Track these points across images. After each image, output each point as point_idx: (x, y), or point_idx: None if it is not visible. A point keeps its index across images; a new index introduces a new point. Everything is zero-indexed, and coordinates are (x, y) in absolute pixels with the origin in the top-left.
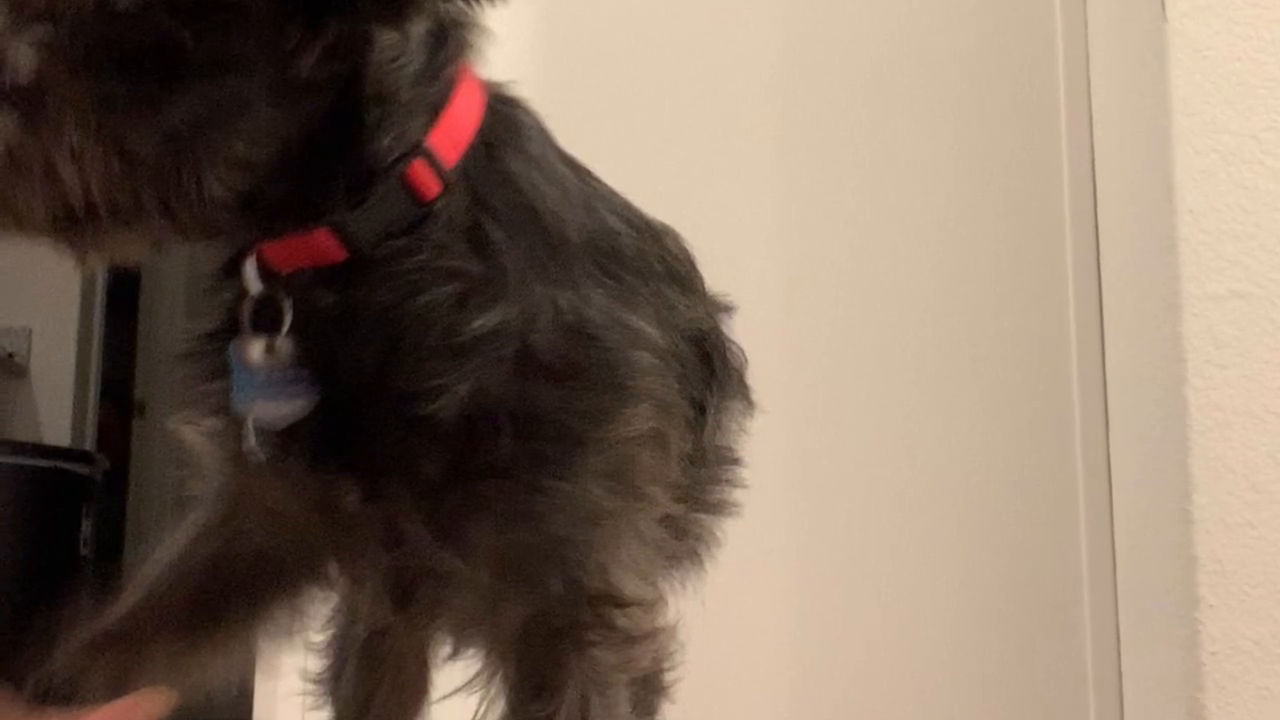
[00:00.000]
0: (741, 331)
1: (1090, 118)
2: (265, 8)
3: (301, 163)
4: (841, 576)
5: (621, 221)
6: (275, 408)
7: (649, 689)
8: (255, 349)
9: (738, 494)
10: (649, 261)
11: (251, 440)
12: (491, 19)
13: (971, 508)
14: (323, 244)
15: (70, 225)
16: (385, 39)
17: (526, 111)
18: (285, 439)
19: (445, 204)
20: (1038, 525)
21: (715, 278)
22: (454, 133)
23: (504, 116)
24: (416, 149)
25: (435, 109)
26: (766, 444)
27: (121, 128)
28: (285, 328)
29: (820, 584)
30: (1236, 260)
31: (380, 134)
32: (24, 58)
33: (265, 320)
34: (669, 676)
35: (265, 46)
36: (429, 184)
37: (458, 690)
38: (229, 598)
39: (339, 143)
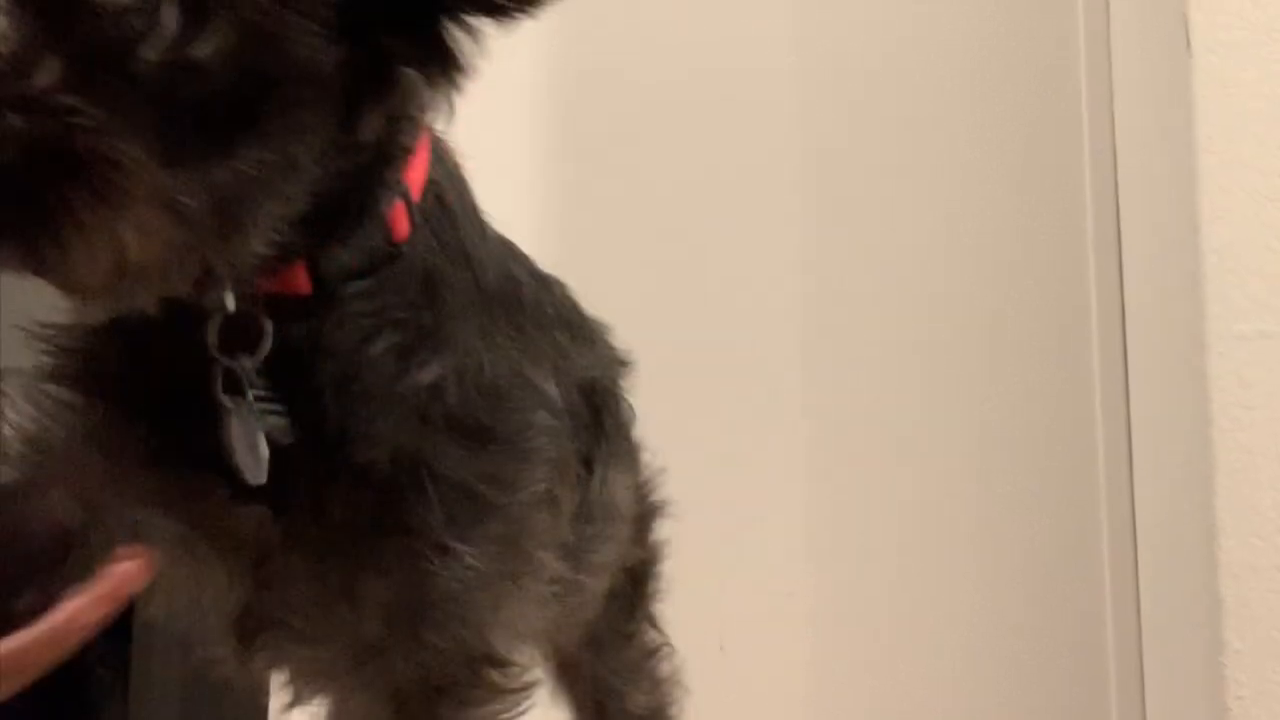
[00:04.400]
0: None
1: (1114, 154)
2: (338, 82)
3: (316, 206)
4: (860, 623)
5: (523, 270)
6: (257, 432)
7: None
8: (244, 365)
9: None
10: (544, 309)
11: (249, 459)
12: (512, 40)
13: (994, 549)
14: (293, 276)
15: (114, 285)
16: None
17: (449, 150)
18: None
19: (410, 245)
20: (1062, 567)
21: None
22: (416, 172)
23: (440, 154)
24: (398, 187)
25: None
26: (786, 473)
27: (182, 191)
28: (265, 348)
29: (837, 630)
30: (1263, 300)
31: (387, 177)
32: (94, 119)
33: (234, 339)
34: None
35: (330, 114)
36: (402, 224)
37: None
38: None
39: (354, 186)
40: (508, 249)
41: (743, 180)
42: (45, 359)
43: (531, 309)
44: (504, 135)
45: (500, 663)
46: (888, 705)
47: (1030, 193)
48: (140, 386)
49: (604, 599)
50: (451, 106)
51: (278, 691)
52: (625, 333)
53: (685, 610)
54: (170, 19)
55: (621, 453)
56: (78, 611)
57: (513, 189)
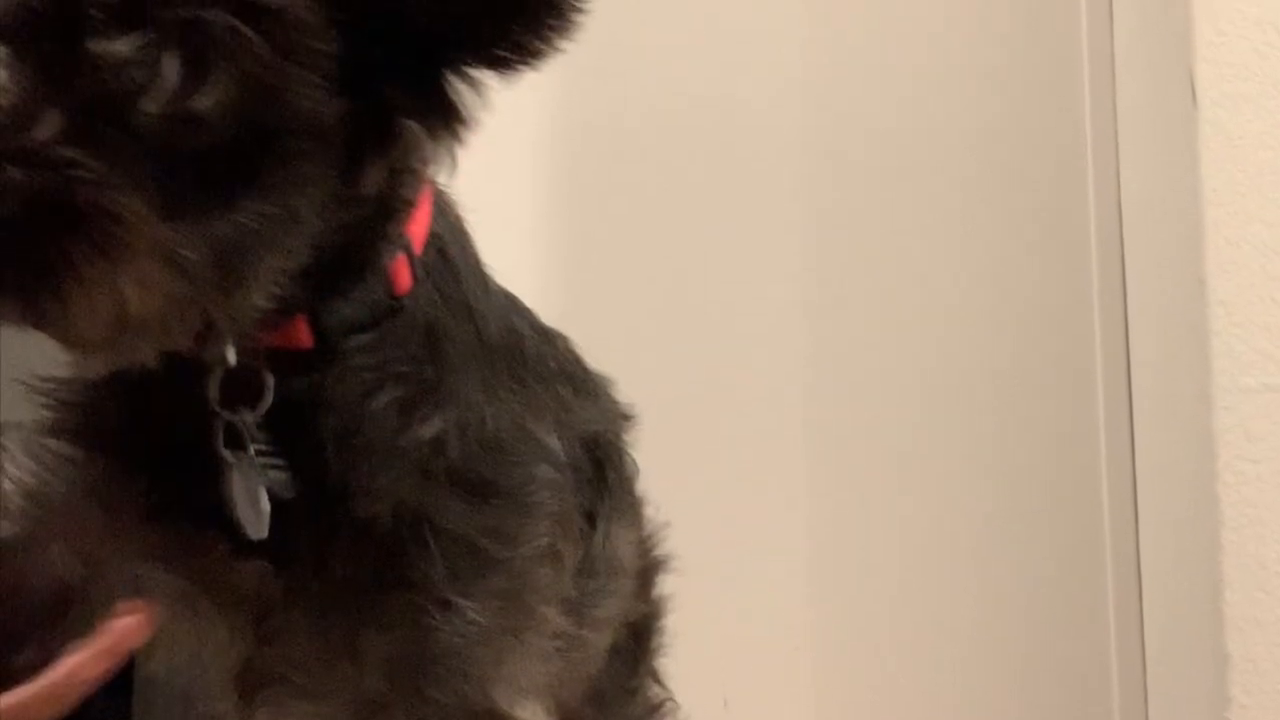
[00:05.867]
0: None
1: (1119, 207)
2: (339, 134)
3: (318, 259)
4: (865, 678)
5: (525, 323)
6: (258, 486)
7: None
8: (245, 419)
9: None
10: (546, 363)
11: (251, 513)
12: (515, 92)
13: (999, 606)
14: (294, 329)
15: (114, 339)
16: None
17: (451, 202)
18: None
19: (411, 298)
20: (1067, 622)
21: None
22: (418, 225)
23: (441, 207)
24: (399, 241)
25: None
26: (789, 528)
27: (183, 244)
28: (266, 402)
29: (842, 685)
30: (1269, 353)
31: (389, 229)
32: (94, 172)
33: (235, 393)
34: None
35: (332, 167)
36: (404, 277)
37: None
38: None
39: (355, 239)
40: (510, 302)
41: (747, 235)
42: (45, 413)
43: (534, 362)
44: (506, 188)
45: (503, 718)
46: None
47: (1036, 243)
48: (141, 441)
49: (607, 654)
50: (454, 159)
51: None
52: (628, 387)
53: (689, 665)
54: (171, 71)
55: (624, 507)
56: (78, 667)
57: (515, 242)
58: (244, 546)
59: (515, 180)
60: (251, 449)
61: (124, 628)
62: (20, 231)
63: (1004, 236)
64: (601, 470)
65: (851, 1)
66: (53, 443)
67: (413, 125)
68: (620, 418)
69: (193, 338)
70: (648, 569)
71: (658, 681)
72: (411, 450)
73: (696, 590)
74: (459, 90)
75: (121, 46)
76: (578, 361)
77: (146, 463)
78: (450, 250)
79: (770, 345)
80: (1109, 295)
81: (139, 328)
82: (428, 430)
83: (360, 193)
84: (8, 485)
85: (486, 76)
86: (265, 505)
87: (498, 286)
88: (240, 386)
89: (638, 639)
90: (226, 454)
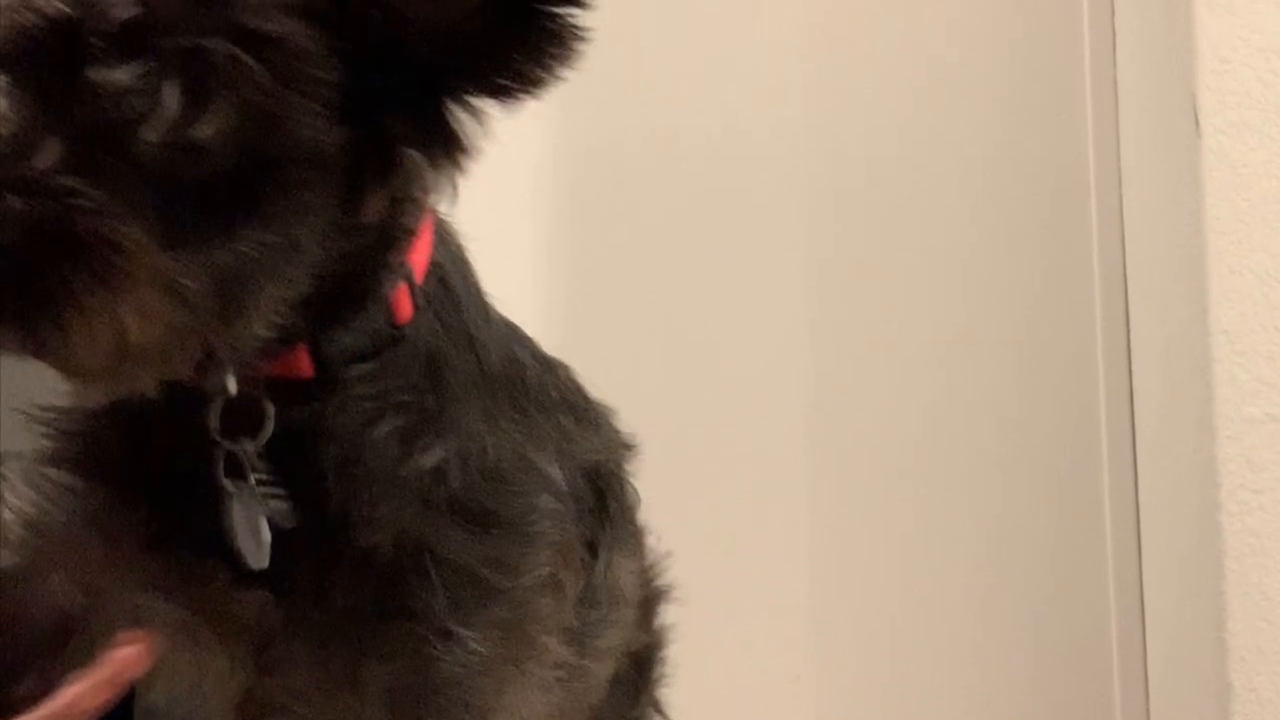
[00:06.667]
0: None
1: (1123, 235)
2: (341, 163)
3: (318, 288)
4: (866, 707)
5: (526, 352)
6: (259, 516)
7: None
8: (246, 448)
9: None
10: (548, 392)
11: (251, 543)
12: (516, 120)
13: (1001, 636)
14: (295, 359)
15: (115, 368)
16: None
17: (452, 231)
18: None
19: (413, 327)
20: (1070, 651)
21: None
22: (419, 254)
23: (443, 236)
24: (400, 270)
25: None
26: (791, 557)
27: (183, 273)
28: (267, 432)
29: (843, 714)
30: (1272, 383)
31: (390, 258)
32: (94, 200)
33: (236, 423)
34: None
35: (333, 196)
36: (405, 306)
37: None
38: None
39: (356, 268)
40: (511, 331)
41: (749, 263)
42: (46, 442)
43: (535, 392)
44: (507, 217)
45: None
46: None
47: (1038, 271)
48: (141, 470)
49: (608, 684)
50: (455, 188)
51: None
52: (629, 416)
53: (691, 695)
54: (171, 100)
55: (626, 537)
56: (78, 697)
57: (516, 271)
58: (244, 576)
59: (516, 209)
60: (252, 478)
61: (124, 658)
62: (20, 260)
63: (1007, 264)
64: (603, 500)
65: (852, 25)
66: (53, 472)
67: (414, 154)
68: (622, 447)
69: (193, 367)
70: (649, 599)
71: (659, 712)
72: (412, 480)
73: (698, 620)
74: (460, 119)
75: (122, 75)
76: (579, 391)
77: (147, 492)
78: (451, 279)
79: (772, 375)
80: (1112, 323)
81: (139, 357)
82: (429, 460)
83: (361, 221)
84: (8, 515)
85: (488, 105)
86: (266, 535)
87: (499, 315)
88: (241, 416)
89: (639, 669)
90: (227, 483)
